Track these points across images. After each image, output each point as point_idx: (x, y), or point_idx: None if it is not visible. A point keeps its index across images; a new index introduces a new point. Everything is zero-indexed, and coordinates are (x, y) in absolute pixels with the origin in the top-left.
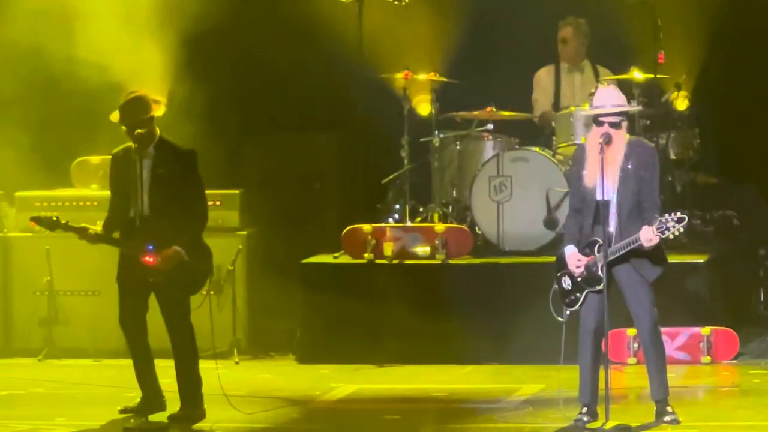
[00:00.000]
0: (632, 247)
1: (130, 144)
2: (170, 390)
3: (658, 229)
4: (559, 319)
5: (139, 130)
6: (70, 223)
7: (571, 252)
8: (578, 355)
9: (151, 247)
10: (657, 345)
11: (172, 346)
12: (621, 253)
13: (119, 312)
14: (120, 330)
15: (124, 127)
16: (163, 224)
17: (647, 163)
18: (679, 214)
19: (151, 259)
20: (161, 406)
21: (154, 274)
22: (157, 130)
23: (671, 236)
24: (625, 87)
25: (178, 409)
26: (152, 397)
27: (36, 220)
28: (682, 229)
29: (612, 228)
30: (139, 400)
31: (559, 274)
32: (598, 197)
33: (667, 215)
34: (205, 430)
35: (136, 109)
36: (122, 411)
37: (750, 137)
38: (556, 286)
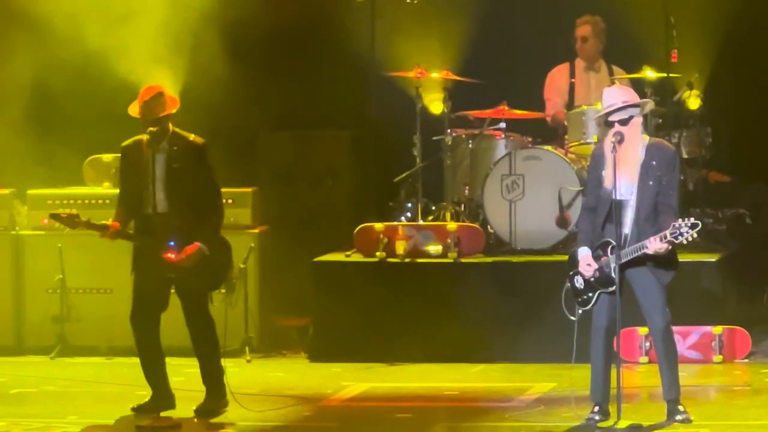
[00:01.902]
0: (639, 254)
1: (141, 137)
2: (181, 389)
3: (671, 234)
4: (571, 317)
5: (156, 126)
6: (91, 221)
7: (584, 254)
8: (590, 353)
9: (172, 243)
10: (669, 345)
11: (192, 339)
12: (630, 257)
13: (132, 308)
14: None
15: (144, 121)
16: (181, 219)
17: (667, 166)
18: (693, 220)
19: (173, 256)
20: (171, 405)
21: (176, 271)
22: (170, 125)
23: (684, 242)
24: (638, 86)
25: (197, 403)
26: (162, 396)
27: (55, 217)
28: (695, 235)
29: (627, 229)
30: (149, 398)
31: (571, 273)
32: (615, 197)
33: (681, 221)
34: (221, 430)
35: (157, 105)
36: (135, 409)
37: (762, 136)
38: (569, 285)
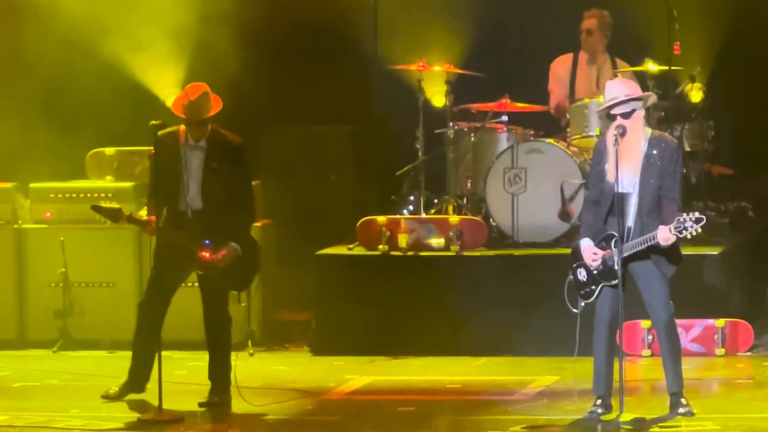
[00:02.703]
0: (648, 245)
1: (175, 129)
2: (184, 382)
3: (675, 228)
4: (574, 310)
5: (199, 126)
6: (133, 215)
7: (587, 245)
8: (593, 347)
9: (208, 242)
10: (672, 338)
11: (207, 334)
12: (637, 249)
13: (145, 295)
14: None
15: (188, 120)
16: (215, 218)
17: (670, 159)
18: (697, 214)
19: (208, 255)
20: (141, 389)
21: (209, 269)
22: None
23: (688, 236)
24: (640, 79)
25: (199, 397)
26: (136, 381)
27: (97, 209)
28: (699, 230)
29: (630, 222)
30: (121, 383)
31: (574, 266)
32: (617, 190)
33: (685, 215)
34: (223, 423)
35: (204, 105)
36: (105, 396)
37: (765, 128)
38: (571, 278)
